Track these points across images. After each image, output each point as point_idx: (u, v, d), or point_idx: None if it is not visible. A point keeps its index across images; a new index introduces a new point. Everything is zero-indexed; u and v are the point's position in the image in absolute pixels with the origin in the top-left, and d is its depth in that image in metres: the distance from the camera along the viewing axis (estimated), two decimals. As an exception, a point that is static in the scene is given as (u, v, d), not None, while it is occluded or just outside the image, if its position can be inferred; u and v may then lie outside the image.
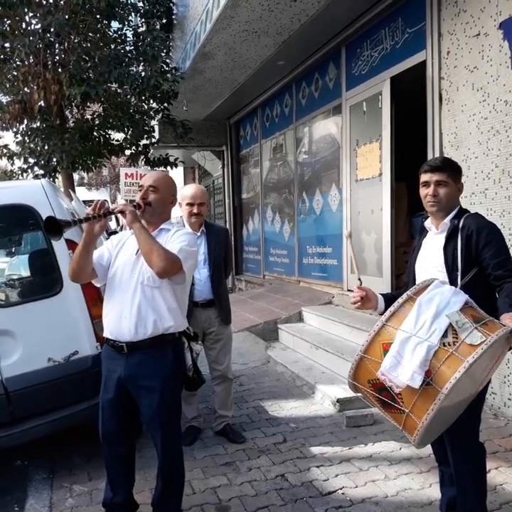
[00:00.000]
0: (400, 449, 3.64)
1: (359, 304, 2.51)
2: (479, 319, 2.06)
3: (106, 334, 2.67)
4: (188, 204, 3.77)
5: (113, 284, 2.64)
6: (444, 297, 2.11)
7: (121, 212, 2.53)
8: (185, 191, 3.83)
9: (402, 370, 2.03)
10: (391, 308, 2.17)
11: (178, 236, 2.62)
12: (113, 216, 2.72)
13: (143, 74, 8.13)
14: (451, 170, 2.48)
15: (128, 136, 8.53)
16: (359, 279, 2.58)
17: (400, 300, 2.18)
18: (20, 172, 8.73)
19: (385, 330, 2.14)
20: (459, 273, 2.36)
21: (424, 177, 2.51)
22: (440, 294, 2.12)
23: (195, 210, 3.75)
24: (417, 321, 2.07)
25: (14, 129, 8.40)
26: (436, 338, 2.02)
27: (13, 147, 8.76)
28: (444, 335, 2.02)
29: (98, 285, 2.76)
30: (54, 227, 2.33)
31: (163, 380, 2.57)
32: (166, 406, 2.59)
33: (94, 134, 8.71)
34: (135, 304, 2.55)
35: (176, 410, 2.69)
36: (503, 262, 2.28)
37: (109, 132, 8.92)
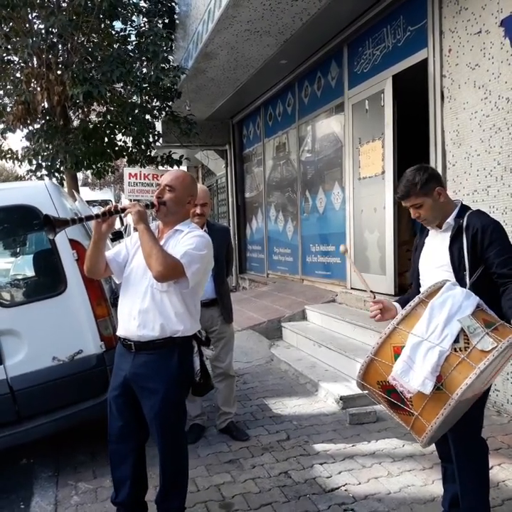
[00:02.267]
0: (403, 446, 3.66)
1: (379, 316, 2.48)
2: (490, 324, 2.06)
3: (118, 332, 2.68)
4: None
5: (128, 284, 2.64)
6: (456, 301, 2.11)
7: (126, 212, 2.52)
8: None
9: (413, 375, 2.03)
10: (403, 312, 2.17)
11: (187, 238, 2.56)
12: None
13: (144, 70, 8.14)
14: (417, 190, 2.42)
15: (132, 134, 8.54)
16: (372, 292, 2.55)
17: (411, 303, 2.17)
18: (28, 175, 8.78)
19: (397, 333, 2.14)
20: (467, 273, 2.35)
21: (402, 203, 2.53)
22: (452, 297, 2.12)
23: (198, 211, 3.75)
24: (429, 326, 2.07)
25: (19, 130, 8.45)
26: (447, 344, 2.02)
27: (19, 150, 8.81)
28: (456, 340, 2.03)
29: (117, 281, 2.76)
30: (50, 224, 2.38)
31: (166, 383, 2.54)
32: (167, 409, 2.57)
33: (99, 134, 8.72)
34: (144, 306, 2.54)
35: (178, 413, 2.66)
36: (507, 261, 2.28)
37: (114, 132, 8.93)
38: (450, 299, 2.12)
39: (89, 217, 2.51)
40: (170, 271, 2.41)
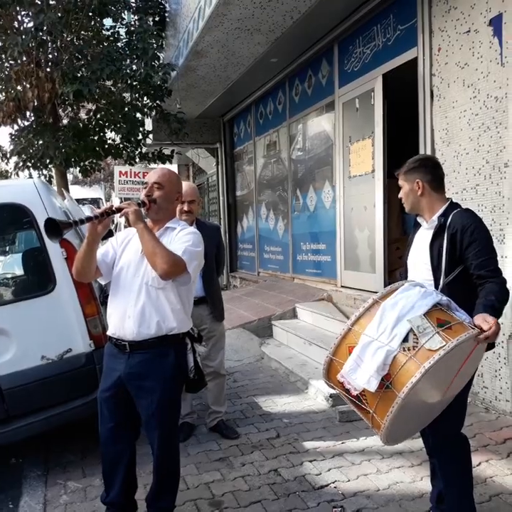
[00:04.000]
0: (392, 443, 3.67)
1: None
2: (445, 323, 2.06)
3: (109, 332, 2.66)
4: None
5: (118, 283, 2.62)
6: (409, 301, 2.12)
7: (123, 212, 2.49)
8: None
9: (360, 373, 2.07)
10: (356, 313, 2.20)
11: (183, 235, 2.58)
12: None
13: (134, 67, 8.11)
14: (402, 172, 2.56)
15: (122, 134, 8.52)
16: None
17: (365, 304, 2.21)
18: (15, 171, 8.73)
19: (351, 333, 2.18)
20: (443, 272, 2.36)
21: None
22: (405, 298, 2.14)
23: (185, 208, 3.75)
24: (379, 326, 2.11)
25: (9, 127, 8.40)
26: (396, 343, 2.05)
27: (8, 146, 8.75)
28: (405, 339, 2.05)
29: (103, 283, 2.74)
30: (54, 228, 2.32)
31: (163, 382, 2.55)
32: (164, 407, 2.58)
33: (89, 132, 8.69)
34: (139, 305, 2.53)
35: (174, 411, 2.68)
36: (485, 262, 2.28)
37: (104, 130, 8.90)
38: (403, 299, 2.14)
39: (89, 219, 2.46)
40: (175, 268, 2.43)
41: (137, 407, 2.62)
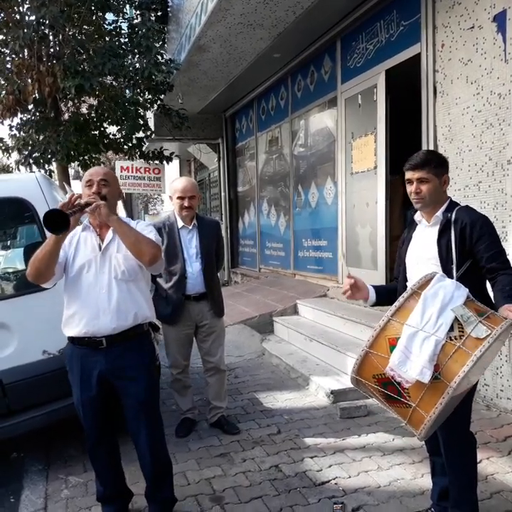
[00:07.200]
0: (393, 439, 3.67)
1: (349, 293, 2.56)
2: (482, 313, 2.08)
3: (74, 333, 2.59)
4: (178, 198, 3.76)
5: (79, 283, 2.57)
6: (448, 291, 2.13)
7: (93, 206, 2.41)
8: (175, 185, 3.81)
9: (411, 365, 2.04)
10: (396, 303, 2.18)
11: (144, 227, 2.68)
12: None
13: (137, 65, 8.09)
14: (432, 166, 2.44)
15: (123, 129, 8.50)
16: (349, 271, 2.63)
17: (404, 294, 2.18)
18: (16, 166, 8.70)
19: (391, 325, 2.15)
20: (454, 266, 2.37)
21: (407, 174, 2.51)
22: (443, 288, 2.14)
23: (186, 204, 3.75)
24: (423, 316, 2.09)
25: (9, 121, 8.37)
26: (443, 333, 2.03)
27: (9, 140, 8.72)
28: (451, 329, 2.04)
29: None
30: (58, 220, 2.20)
31: (146, 369, 2.64)
32: (150, 393, 2.66)
33: (90, 126, 8.67)
34: (113, 300, 2.54)
35: (157, 396, 2.79)
36: (496, 255, 2.32)
37: (105, 125, 8.88)
38: (442, 289, 2.14)
39: (74, 211, 2.32)
40: (160, 252, 2.55)
41: (123, 398, 2.64)
